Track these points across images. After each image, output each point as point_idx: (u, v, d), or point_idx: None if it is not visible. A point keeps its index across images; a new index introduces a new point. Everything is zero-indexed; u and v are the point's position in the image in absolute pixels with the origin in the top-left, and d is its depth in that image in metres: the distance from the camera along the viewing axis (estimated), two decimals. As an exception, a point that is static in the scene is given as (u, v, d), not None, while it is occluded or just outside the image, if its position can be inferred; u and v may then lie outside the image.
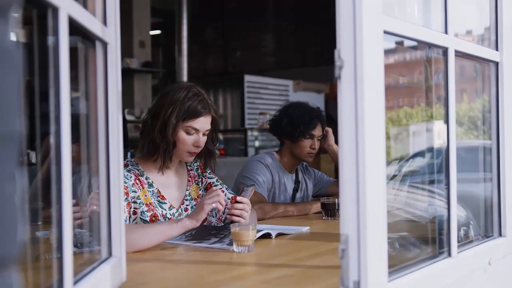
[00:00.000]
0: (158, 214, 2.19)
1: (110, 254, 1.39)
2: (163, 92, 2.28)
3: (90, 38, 1.31)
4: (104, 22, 1.36)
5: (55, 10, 1.01)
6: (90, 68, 1.37)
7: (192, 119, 2.19)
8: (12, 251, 0.58)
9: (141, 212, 2.15)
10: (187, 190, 2.35)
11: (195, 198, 2.36)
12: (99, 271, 1.27)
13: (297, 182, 3.16)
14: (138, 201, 2.15)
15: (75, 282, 1.11)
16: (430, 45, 1.57)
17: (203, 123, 2.21)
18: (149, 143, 2.21)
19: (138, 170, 2.23)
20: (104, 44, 1.36)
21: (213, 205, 1.99)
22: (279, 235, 2.18)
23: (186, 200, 2.34)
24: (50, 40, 1.03)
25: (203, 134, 2.23)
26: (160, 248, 1.93)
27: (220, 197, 2.01)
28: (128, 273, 1.47)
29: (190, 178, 2.38)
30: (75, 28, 1.13)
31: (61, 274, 1.02)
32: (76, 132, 1.22)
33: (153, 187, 2.23)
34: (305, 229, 2.36)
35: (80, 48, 1.33)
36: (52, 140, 1.03)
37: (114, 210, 1.39)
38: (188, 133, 2.20)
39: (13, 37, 0.61)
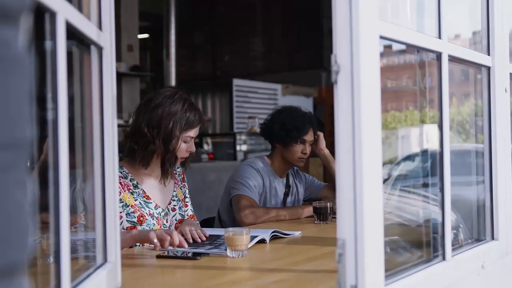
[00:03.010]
0: (145, 214, 2.25)
1: (105, 259, 1.38)
2: (155, 102, 2.27)
3: (85, 42, 1.30)
4: (99, 26, 1.36)
5: (53, 14, 1.00)
6: (84, 72, 1.36)
7: (191, 130, 2.29)
8: (24, 258, 0.58)
9: (127, 214, 2.20)
10: (174, 191, 2.43)
11: (181, 200, 2.45)
12: (95, 276, 1.26)
13: (288, 186, 3.16)
14: (121, 203, 2.19)
15: (72, 288, 1.10)
16: (425, 50, 1.58)
17: (197, 130, 2.34)
18: (150, 154, 2.26)
19: (121, 173, 2.25)
20: (100, 49, 1.35)
21: (155, 241, 1.91)
22: (274, 238, 2.18)
23: (174, 200, 2.41)
24: (47, 44, 1.02)
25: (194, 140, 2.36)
26: (155, 254, 1.92)
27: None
28: (123, 279, 1.46)
29: (176, 181, 2.46)
30: (71, 33, 1.12)
31: (59, 279, 1.01)
32: (70, 137, 1.21)
33: (139, 188, 2.28)
34: (297, 233, 2.36)
35: (75, 53, 1.32)
36: (49, 145, 1.02)
37: (109, 215, 1.39)
38: (185, 142, 2.30)
39: (23, 43, 0.61)
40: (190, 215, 2.46)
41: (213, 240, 2.13)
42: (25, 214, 0.58)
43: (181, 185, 2.49)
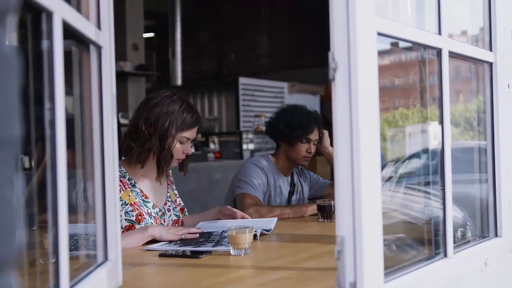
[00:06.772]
0: (144, 213, 2.28)
1: (106, 258, 1.38)
2: (153, 101, 2.31)
3: (84, 42, 1.30)
4: (98, 26, 1.36)
5: (49, 14, 1.01)
6: (84, 72, 1.36)
7: (187, 130, 2.32)
8: (11, 254, 0.58)
9: (125, 212, 2.23)
10: (168, 192, 2.47)
11: (174, 201, 2.49)
12: (95, 275, 1.27)
13: (292, 185, 3.16)
14: (120, 202, 2.22)
15: (71, 286, 1.10)
16: (424, 46, 1.57)
17: (194, 132, 2.37)
18: (146, 152, 2.29)
19: (120, 172, 2.27)
20: (99, 48, 1.36)
21: (182, 236, 2.13)
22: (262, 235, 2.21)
23: (168, 201, 2.45)
24: (44, 44, 1.03)
25: (191, 142, 2.39)
26: (156, 253, 1.93)
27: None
28: (124, 277, 1.46)
29: (169, 182, 2.51)
30: (69, 32, 1.13)
31: (58, 278, 1.02)
32: (70, 137, 1.22)
33: (136, 187, 2.32)
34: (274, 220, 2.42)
35: (74, 52, 1.33)
36: (47, 144, 1.02)
37: (110, 214, 1.39)
38: (181, 142, 2.33)
39: (10, 42, 0.61)
40: (174, 219, 2.47)
41: (207, 238, 2.12)
42: (13, 211, 0.58)
43: (173, 187, 2.54)
